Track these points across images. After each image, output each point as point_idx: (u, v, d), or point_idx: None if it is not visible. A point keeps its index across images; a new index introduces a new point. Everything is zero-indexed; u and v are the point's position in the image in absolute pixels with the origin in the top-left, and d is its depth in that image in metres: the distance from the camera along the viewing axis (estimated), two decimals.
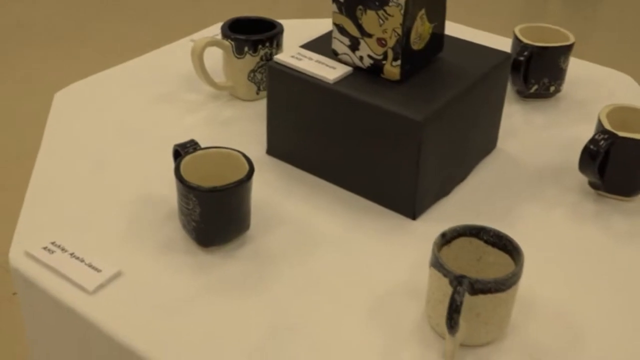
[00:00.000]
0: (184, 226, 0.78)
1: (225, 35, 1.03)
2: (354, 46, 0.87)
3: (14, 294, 1.56)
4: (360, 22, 0.85)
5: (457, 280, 0.64)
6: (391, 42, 0.83)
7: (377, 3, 0.82)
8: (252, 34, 1.03)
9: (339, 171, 0.89)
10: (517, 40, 1.05)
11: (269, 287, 0.75)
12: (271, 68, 0.89)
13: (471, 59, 0.90)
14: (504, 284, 0.65)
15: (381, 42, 0.84)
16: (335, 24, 0.87)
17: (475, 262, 0.72)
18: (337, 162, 0.88)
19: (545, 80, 1.05)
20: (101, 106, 1.04)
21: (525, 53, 1.02)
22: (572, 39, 1.05)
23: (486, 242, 0.71)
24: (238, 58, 1.03)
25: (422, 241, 0.81)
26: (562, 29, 1.08)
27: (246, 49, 1.02)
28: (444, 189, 0.89)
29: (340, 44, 0.88)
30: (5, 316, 1.53)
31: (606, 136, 0.84)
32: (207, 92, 1.09)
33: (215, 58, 1.14)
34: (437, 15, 0.87)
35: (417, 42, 0.85)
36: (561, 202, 0.89)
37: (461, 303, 0.62)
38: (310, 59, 0.89)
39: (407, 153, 0.82)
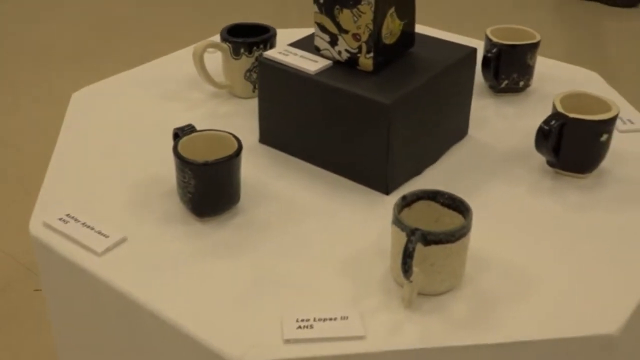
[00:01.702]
0: (181, 198, 0.89)
1: (223, 38, 1.15)
2: (333, 42, 0.98)
3: (36, 290, 1.67)
4: (337, 20, 0.96)
5: (411, 232, 0.74)
6: (364, 37, 0.94)
7: (351, 2, 0.93)
8: (249, 38, 1.15)
9: (321, 154, 0.99)
10: (488, 39, 1.16)
11: (255, 249, 0.85)
12: (261, 63, 1.00)
13: (439, 53, 1.01)
14: (454, 236, 0.75)
15: (356, 37, 0.95)
16: (316, 23, 0.99)
17: (434, 223, 0.82)
18: (320, 145, 0.99)
19: (515, 76, 1.16)
20: (113, 103, 1.16)
21: (494, 50, 1.13)
22: (538, 38, 1.16)
23: (442, 204, 0.81)
24: (235, 59, 1.15)
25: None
26: (529, 29, 1.18)
27: (242, 50, 1.14)
28: (416, 169, 0.99)
29: (321, 41, 0.99)
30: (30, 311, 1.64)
31: (557, 117, 0.94)
32: (208, 91, 1.20)
33: (216, 61, 1.26)
34: (407, 13, 0.98)
35: (389, 37, 0.96)
36: (523, 180, 0.99)
37: (413, 249, 0.72)
38: (295, 54, 1.00)
39: (378, 134, 0.92)
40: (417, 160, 0.99)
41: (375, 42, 0.94)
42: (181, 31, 2.91)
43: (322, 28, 0.98)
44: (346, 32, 0.96)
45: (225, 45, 1.15)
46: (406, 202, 0.81)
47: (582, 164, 0.97)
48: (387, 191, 0.96)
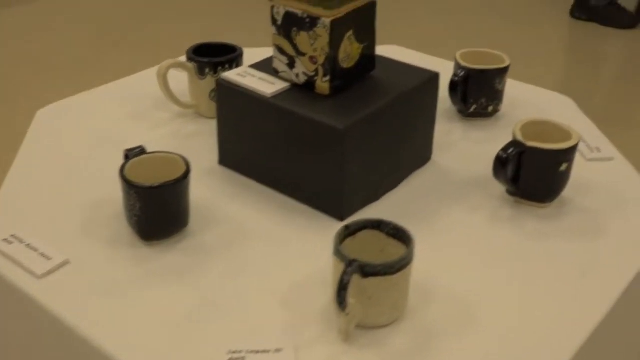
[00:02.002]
0: (128, 221, 0.88)
1: (189, 58, 1.14)
2: (291, 64, 0.96)
3: None
4: (295, 42, 0.95)
5: (348, 263, 0.72)
6: (321, 60, 0.93)
7: (308, 25, 0.92)
8: (215, 57, 1.13)
9: (278, 177, 0.98)
10: (457, 63, 1.14)
11: (198, 276, 0.84)
12: (219, 84, 0.99)
13: (400, 78, 1.00)
14: (393, 267, 0.73)
15: (313, 60, 0.94)
16: (275, 45, 0.97)
17: (379, 253, 0.80)
18: (277, 168, 0.97)
19: (483, 101, 1.14)
20: (77, 121, 1.15)
21: (462, 74, 1.11)
22: (507, 62, 1.14)
23: (387, 234, 0.79)
24: (200, 79, 1.14)
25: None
26: (500, 53, 1.16)
27: (207, 70, 1.13)
28: (374, 194, 0.98)
29: (280, 63, 0.98)
30: None
31: (516, 146, 0.92)
32: (175, 111, 1.19)
33: (184, 80, 1.24)
34: (366, 36, 0.97)
35: (346, 60, 0.95)
36: (483, 207, 0.97)
37: (349, 282, 0.70)
38: (254, 76, 0.99)
39: (332, 159, 0.91)
40: (376, 186, 0.97)
41: (331, 65, 0.93)
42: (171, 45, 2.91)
43: (281, 50, 0.97)
44: (303, 54, 0.95)
45: (190, 65, 1.13)
46: (349, 231, 0.79)
47: (541, 193, 0.95)
48: (342, 217, 0.94)
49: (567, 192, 0.99)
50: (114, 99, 1.22)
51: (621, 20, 3.10)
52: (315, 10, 0.91)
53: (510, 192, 0.97)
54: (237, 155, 1.02)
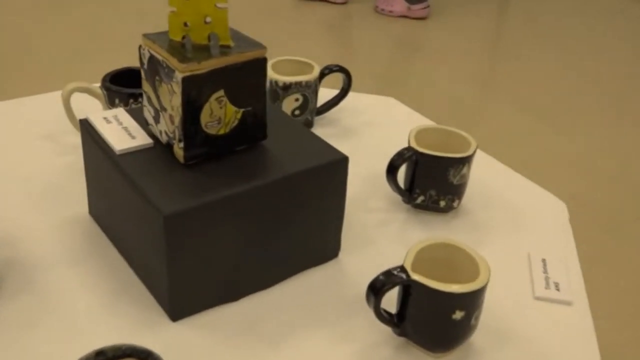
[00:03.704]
0: None
1: (102, 84, 0.99)
2: (157, 118, 0.79)
3: None
4: (158, 93, 0.77)
5: None
6: (177, 121, 0.75)
7: (165, 75, 0.74)
8: (131, 87, 0.98)
9: (127, 248, 0.81)
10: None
11: None
12: (82, 125, 0.83)
13: (298, 155, 0.79)
14: None
15: (171, 119, 0.76)
16: (144, 91, 0.80)
17: None
18: (122, 238, 0.81)
19: (433, 192, 0.91)
20: None
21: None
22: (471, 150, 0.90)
23: None
24: (110, 109, 0.98)
25: (172, 346, 0.72)
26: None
27: (117, 101, 0.97)
28: (231, 294, 0.78)
29: (148, 114, 0.81)
30: None
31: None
32: None
33: None
34: (249, 100, 0.77)
35: (215, 125, 0.76)
36: (358, 339, 0.75)
37: None
38: (121, 123, 0.82)
39: (157, 247, 0.72)
40: (234, 284, 0.78)
41: (186, 130, 0.74)
42: None
43: (148, 99, 0.80)
44: (165, 110, 0.77)
45: (99, 92, 0.98)
46: (106, 357, 0.61)
47: (431, 340, 0.73)
48: (173, 317, 0.75)
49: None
50: (24, 116, 1.10)
51: None
52: (172, 61, 0.73)
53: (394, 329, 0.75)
54: (99, 209, 0.86)
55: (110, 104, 0.97)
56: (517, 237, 0.91)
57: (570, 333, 0.78)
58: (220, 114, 0.76)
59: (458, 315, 0.70)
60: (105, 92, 0.97)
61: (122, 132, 0.80)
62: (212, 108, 0.75)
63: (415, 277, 0.70)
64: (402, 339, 0.75)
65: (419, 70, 2.75)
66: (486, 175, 1.04)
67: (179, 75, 0.71)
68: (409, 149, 0.90)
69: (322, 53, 2.83)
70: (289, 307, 0.78)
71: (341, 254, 0.86)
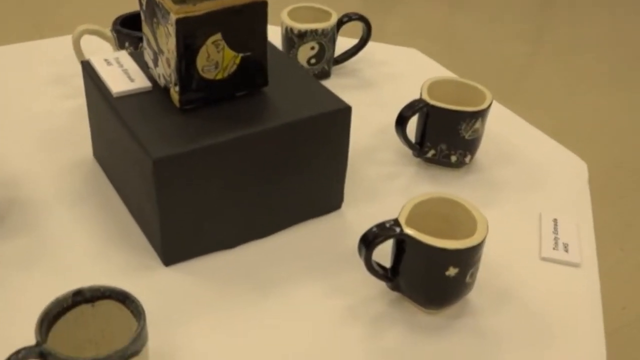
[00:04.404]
0: None
1: (113, 27, 0.98)
2: (155, 62, 0.77)
3: None
4: (156, 36, 0.75)
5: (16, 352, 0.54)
6: (172, 65, 0.73)
7: (163, 18, 0.72)
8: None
9: (126, 193, 0.81)
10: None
11: None
12: (83, 67, 0.82)
13: (299, 103, 0.77)
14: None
15: (168, 62, 0.74)
16: (143, 34, 0.78)
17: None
18: (121, 180, 0.80)
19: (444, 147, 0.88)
20: None
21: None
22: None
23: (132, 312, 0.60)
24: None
25: (161, 290, 0.71)
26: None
27: (127, 44, 0.96)
28: (227, 241, 0.77)
29: (148, 57, 0.79)
30: None
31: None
32: None
33: None
34: (248, 45, 0.75)
35: (212, 70, 0.74)
36: (349, 290, 0.74)
37: None
38: (121, 66, 0.81)
39: (149, 192, 0.71)
40: (229, 232, 0.77)
41: (182, 74, 0.73)
42: None
43: (147, 41, 0.78)
44: (163, 53, 0.75)
45: (109, 34, 0.97)
46: (83, 298, 0.60)
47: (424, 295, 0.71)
48: (165, 262, 0.75)
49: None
50: (32, 58, 1.09)
51: None
52: (167, 2, 0.71)
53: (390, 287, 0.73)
54: (101, 151, 0.86)
55: (121, 47, 0.96)
56: (530, 195, 0.88)
57: (575, 296, 0.75)
58: (217, 58, 0.73)
59: (452, 271, 0.68)
60: (115, 35, 0.96)
61: (121, 74, 0.79)
62: (208, 52, 0.73)
63: (408, 231, 0.67)
64: (396, 294, 0.73)
65: (459, 25, 2.67)
66: (505, 131, 1.00)
67: (173, 17, 0.69)
68: (420, 100, 0.86)
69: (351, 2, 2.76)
70: (286, 257, 0.77)
71: (344, 206, 0.84)
